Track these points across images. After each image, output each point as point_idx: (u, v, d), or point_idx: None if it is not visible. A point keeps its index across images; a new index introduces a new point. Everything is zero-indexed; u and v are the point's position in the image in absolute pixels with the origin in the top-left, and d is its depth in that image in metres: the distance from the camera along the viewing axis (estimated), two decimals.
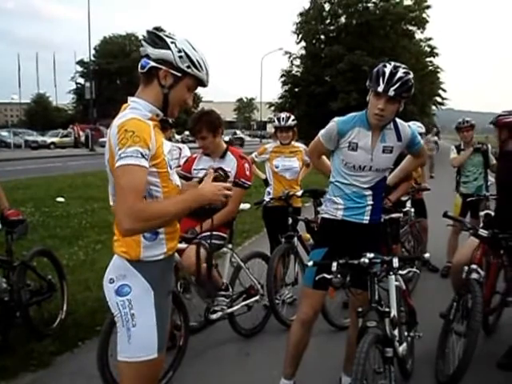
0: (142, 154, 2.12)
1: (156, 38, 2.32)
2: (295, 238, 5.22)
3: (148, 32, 2.37)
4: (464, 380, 3.57)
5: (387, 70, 3.14)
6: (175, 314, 4.10)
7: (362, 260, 2.97)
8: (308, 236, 5.50)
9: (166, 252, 2.43)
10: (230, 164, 4.32)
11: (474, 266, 4.01)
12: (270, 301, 4.77)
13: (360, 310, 2.97)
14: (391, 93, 3.09)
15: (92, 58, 47.54)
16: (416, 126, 6.45)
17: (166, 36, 2.34)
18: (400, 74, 3.12)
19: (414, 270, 3.07)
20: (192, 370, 4.08)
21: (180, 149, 5.80)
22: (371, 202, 3.38)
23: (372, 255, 3.00)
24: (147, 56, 2.31)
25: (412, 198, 6.45)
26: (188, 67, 2.32)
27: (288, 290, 5.34)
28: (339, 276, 2.93)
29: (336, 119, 3.41)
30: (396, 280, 3.41)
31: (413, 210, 6.47)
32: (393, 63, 3.22)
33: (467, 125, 6.79)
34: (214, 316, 4.46)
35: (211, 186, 2.38)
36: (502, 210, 4.32)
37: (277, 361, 3.87)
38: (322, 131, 3.48)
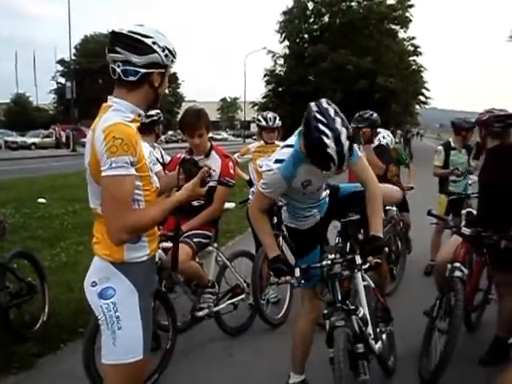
0: (131, 162, 2.16)
1: (136, 42, 2.23)
2: (280, 237, 5.20)
3: (121, 36, 2.24)
4: (447, 376, 3.59)
5: (332, 152, 2.62)
6: (161, 315, 4.08)
7: (325, 262, 3.00)
8: None
9: (149, 253, 2.44)
10: (214, 163, 4.28)
11: (457, 264, 4.02)
12: (255, 300, 4.77)
13: (325, 312, 3.00)
14: (345, 166, 2.80)
15: (73, 57, 47.12)
16: (381, 136, 6.45)
17: (144, 36, 2.24)
18: (344, 143, 2.63)
19: (376, 260, 3.01)
20: (177, 370, 4.04)
21: (159, 149, 5.77)
22: (327, 198, 3.43)
23: (333, 256, 3.02)
24: (129, 63, 2.23)
25: None
26: (172, 61, 2.36)
27: (273, 289, 5.32)
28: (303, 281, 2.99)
29: (276, 168, 3.01)
30: (364, 279, 3.43)
31: (395, 208, 6.42)
32: (330, 133, 2.62)
33: (469, 125, 6.53)
34: (201, 313, 4.43)
35: (184, 192, 2.52)
36: (484, 209, 4.33)
37: (260, 360, 3.85)
38: (263, 186, 3.13)
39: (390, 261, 5.90)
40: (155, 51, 2.26)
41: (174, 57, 2.36)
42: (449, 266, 4.09)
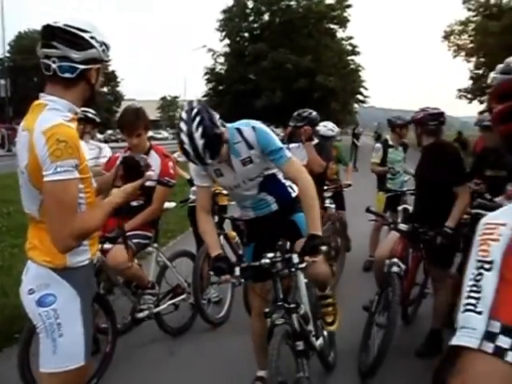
0: (76, 165, 2.09)
1: (74, 37, 2.14)
2: (221, 237, 5.19)
3: (57, 30, 2.13)
4: (384, 368, 3.67)
5: (188, 148, 2.80)
6: (100, 318, 4.00)
7: (263, 261, 3.00)
8: (234, 234, 5.49)
9: (91, 257, 2.39)
10: (153, 162, 4.21)
11: (394, 260, 4.10)
12: (196, 300, 4.74)
13: (266, 310, 3.00)
14: (209, 161, 2.89)
15: (7, 54, 45.51)
16: (326, 129, 6.57)
17: (82, 31, 2.16)
18: (197, 141, 2.76)
19: (313, 259, 3.02)
20: (116, 373, 3.97)
21: (100, 148, 5.66)
22: (272, 198, 3.39)
23: (272, 255, 3.03)
24: (67, 58, 2.14)
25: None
26: (108, 56, 2.30)
27: (214, 288, 5.31)
28: (243, 280, 3.03)
29: None
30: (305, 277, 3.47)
31: (333, 206, 6.51)
32: (186, 130, 2.78)
33: (402, 123, 6.83)
34: (141, 315, 4.38)
35: (122, 194, 2.50)
36: (420, 205, 4.46)
37: (202, 359, 3.80)
38: (194, 180, 3.40)
39: (329, 257, 5.98)
40: (93, 46, 2.19)
41: (109, 50, 2.31)
42: (387, 261, 4.17)
